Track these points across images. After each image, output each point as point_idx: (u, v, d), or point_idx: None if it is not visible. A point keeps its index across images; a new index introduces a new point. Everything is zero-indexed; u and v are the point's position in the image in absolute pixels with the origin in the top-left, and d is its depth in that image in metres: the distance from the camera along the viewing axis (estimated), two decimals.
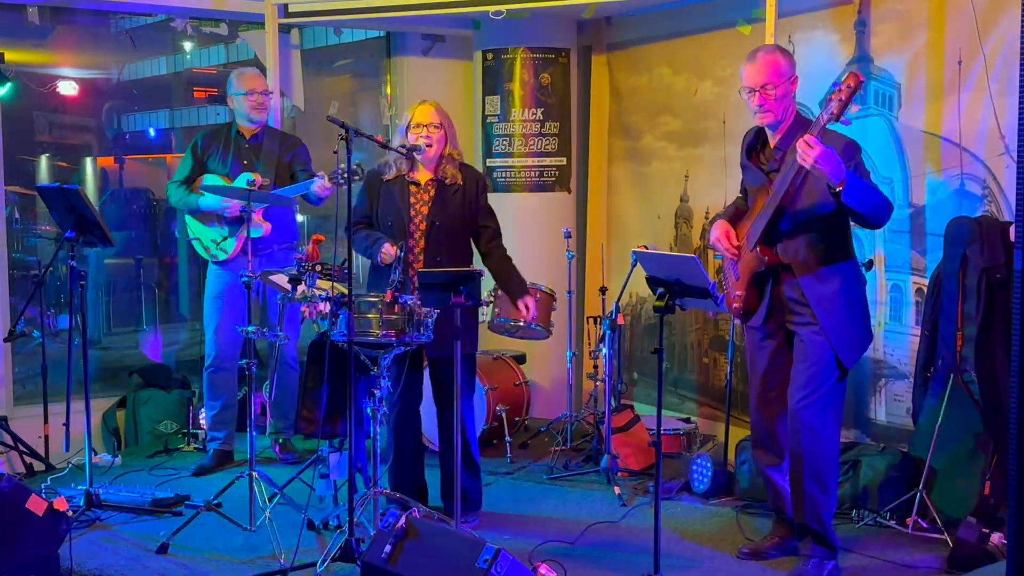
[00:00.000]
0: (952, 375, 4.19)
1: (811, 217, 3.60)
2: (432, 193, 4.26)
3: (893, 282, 4.73)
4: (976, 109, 4.34)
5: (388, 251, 4.13)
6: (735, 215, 3.93)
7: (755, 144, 3.84)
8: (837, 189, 3.36)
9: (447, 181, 4.26)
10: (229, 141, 5.11)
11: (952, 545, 3.86)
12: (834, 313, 3.62)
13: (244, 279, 4.19)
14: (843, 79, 3.36)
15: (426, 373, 4.40)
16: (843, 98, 3.33)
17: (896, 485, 4.30)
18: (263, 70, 5.97)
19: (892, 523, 4.23)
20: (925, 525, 4.14)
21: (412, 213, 4.26)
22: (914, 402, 4.50)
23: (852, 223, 3.67)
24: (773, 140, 3.73)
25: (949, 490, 4.16)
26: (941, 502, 4.14)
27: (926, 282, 4.50)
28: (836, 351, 3.63)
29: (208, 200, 4.97)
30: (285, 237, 5.11)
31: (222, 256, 5.02)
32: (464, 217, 4.29)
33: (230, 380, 5.17)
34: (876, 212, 3.50)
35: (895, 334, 4.73)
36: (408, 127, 4.25)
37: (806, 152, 3.32)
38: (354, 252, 4.08)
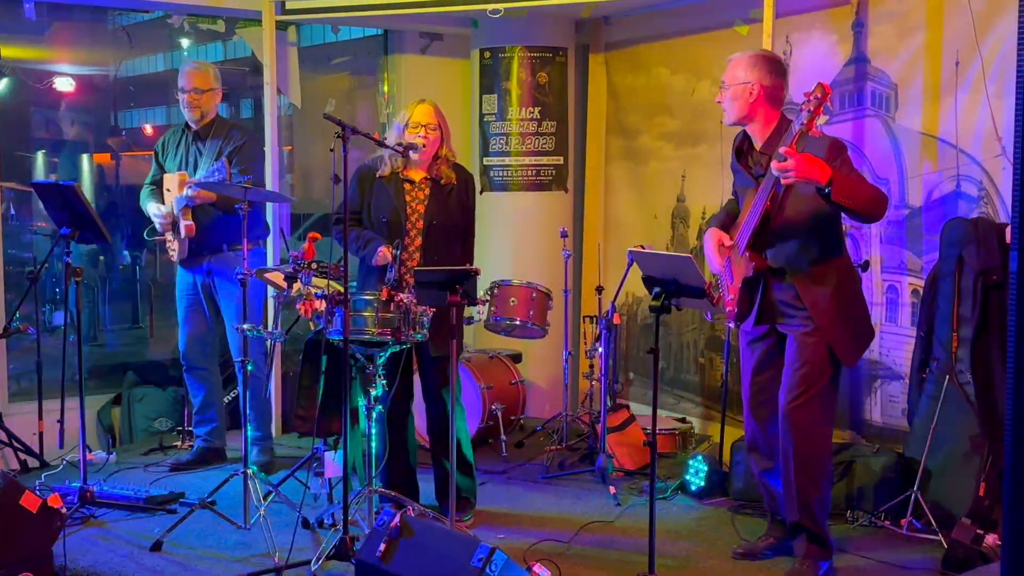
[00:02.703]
0: (947, 376, 4.19)
1: (801, 220, 3.60)
2: (427, 192, 4.27)
3: (889, 283, 4.73)
4: (973, 110, 4.34)
5: (383, 254, 4.13)
6: (727, 220, 3.93)
7: (741, 147, 3.84)
8: (825, 190, 3.36)
9: (442, 181, 4.27)
10: (182, 138, 5.06)
11: (946, 546, 3.86)
12: (829, 313, 3.62)
13: (239, 276, 4.19)
14: (812, 90, 3.33)
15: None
16: (811, 108, 3.32)
17: (891, 486, 4.31)
18: (258, 65, 5.98)
19: (887, 524, 4.24)
20: (919, 526, 4.15)
21: (408, 211, 4.26)
22: (909, 403, 4.50)
23: (847, 222, 3.66)
24: (758, 143, 3.74)
25: (944, 491, 4.16)
26: (936, 503, 4.14)
27: (922, 283, 4.50)
28: (834, 350, 3.63)
29: (147, 205, 4.99)
30: (236, 238, 4.66)
31: (174, 257, 5.00)
32: (459, 217, 4.32)
33: (204, 378, 5.15)
34: (869, 205, 3.46)
35: (890, 335, 4.73)
36: (406, 125, 4.25)
37: (783, 166, 3.32)
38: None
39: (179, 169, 4.95)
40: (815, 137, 3.40)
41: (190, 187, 4.71)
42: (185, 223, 4.80)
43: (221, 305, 5.02)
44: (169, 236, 4.97)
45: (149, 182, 5.12)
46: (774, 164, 3.36)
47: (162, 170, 5.07)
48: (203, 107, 4.96)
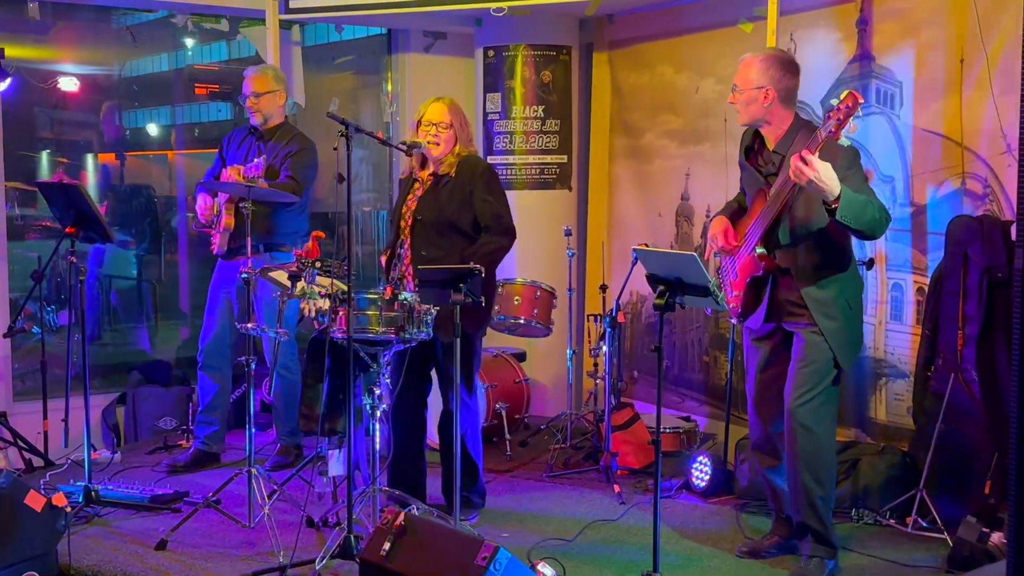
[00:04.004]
0: (953, 374, 4.18)
1: (810, 224, 3.59)
2: (425, 189, 4.26)
3: (894, 281, 4.72)
4: (978, 107, 4.33)
5: (381, 261, 4.22)
6: (736, 212, 3.93)
7: (753, 145, 3.83)
8: (832, 207, 3.36)
9: (440, 174, 4.25)
10: (247, 136, 5.15)
11: (952, 545, 3.85)
12: (832, 317, 3.62)
13: (243, 275, 4.20)
14: (842, 98, 3.32)
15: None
16: (841, 118, 3.30)
17: (896, 484, 4.30)
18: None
19: (892, 522, 4.23)
20: (925, 524, 4.14)
21: (404, 210, 4.26)
22: (914, 401, 4.49)
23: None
24: (771, 143, 3.72)
25: (949, 489, 4.15)
26: (941, 501, 4.13)
27: (927, 281, 4.49)
28: (835, 353, 3.63)
29: (199, 194, 5.06)
30: (276, 240, 4.99)
31: (215, 249, 5.03)
32: (452, 210, 4.18)
33: (217, 379, 5.14)
34: (871, 227, 3.49)
35: (896, 333, 4.72)
36: (419, 123, 4.24)
37: (801, 169, 3.32)
38: (355, 248, 4.09)
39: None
40: (832, 141, 3.39)
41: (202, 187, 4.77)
42: (225, 218, 4.85)
43: (256, 307, 5.00)
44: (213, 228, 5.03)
45: (210, 176, 5.20)
46: (794, 159, 3.34)
47: (224, 164, 5.13)
48: (264, 110, 5.04)
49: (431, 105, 4.24)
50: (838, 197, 3.34)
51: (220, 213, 4.89)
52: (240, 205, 4.79)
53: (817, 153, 3.34)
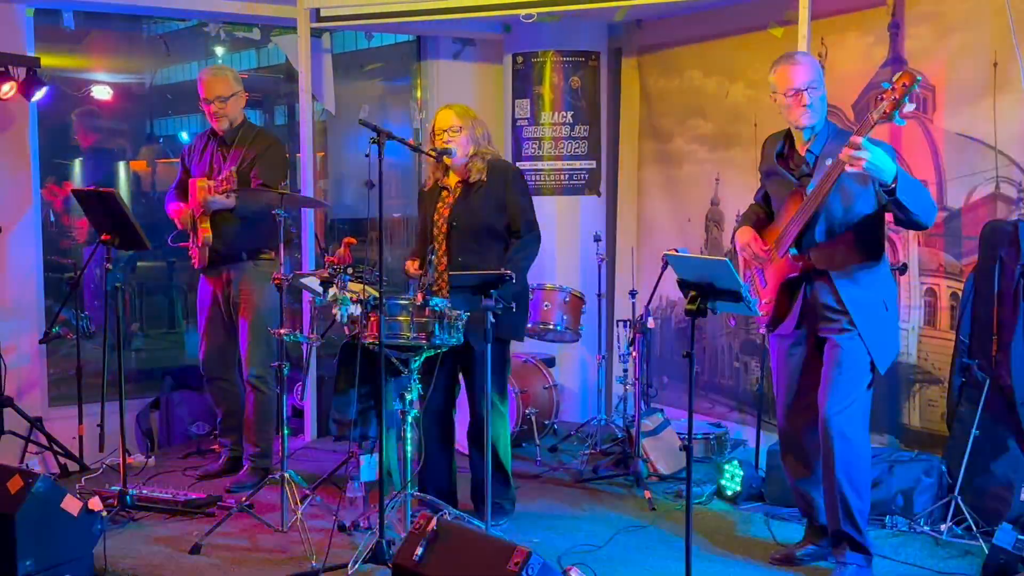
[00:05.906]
0: (987, 380, 4.14)
1: (847, 221, 3.57)
2: (456, 195, 4.28)
3: (927, 286, 4.69)
4: (1012, 111, 4.29)
5: (407, 268, 4.26)
6: (757, 223, 3.90)
7: (782, 150, 3.81)
8: (891, 186, 3.31)
9: (471, 180, 4.27)
10: (208, 143, 5.00)
11: (987, 552, 3.81)
12: (871, 317, 3.60)
13: (275, 282, 4.22)
14: (897, 77, 3.27)
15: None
16: (897, 96, 3.23)
17: (930, 491, 4.27)
18: (292, 72, 6.02)
19: (926, 529, 4.19)
20: (960, 532, 4.10)
21: (436, 217, 4.28)
22: (948, 407, 4.45)
23: (896, 224, 3.60)
24: (803, 145, 3.70)
25: (984, 496, 4.11)
26: (976, 508, 4.09)
27: (960, 286, 4.45)
28: (872, 355, 3.60)
29: (169, 207, 4.97)
30: (256, 245, 4.86)
31: (195, 264, 4.92)
32: (487, 215, 4.25)
33: (225, 389, 5.11)
34: (927, 209, 3.44)
35: (929, 339, 4.68)
36: (432, 134, 4.28)
37: (855, 156, 3.25)
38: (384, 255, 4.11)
39: (203, 175, 4.90)
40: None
41: (213, 191, 4.68)
42: (201, 228, 4.75)
43: (239, 314, 4.93)
44: (191, 242, 4.93)
45: (174, 186, 5.10)
46: (845, 149, 3.29)
47: (188, 174, 5.04)
48: (230, 115, 4.88)
49: (439, 113, 4.31)
50: (895, 177, 3.29)
51: (196, 227, 4.78)
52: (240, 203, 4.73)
53: (867, 135, 3.29)
